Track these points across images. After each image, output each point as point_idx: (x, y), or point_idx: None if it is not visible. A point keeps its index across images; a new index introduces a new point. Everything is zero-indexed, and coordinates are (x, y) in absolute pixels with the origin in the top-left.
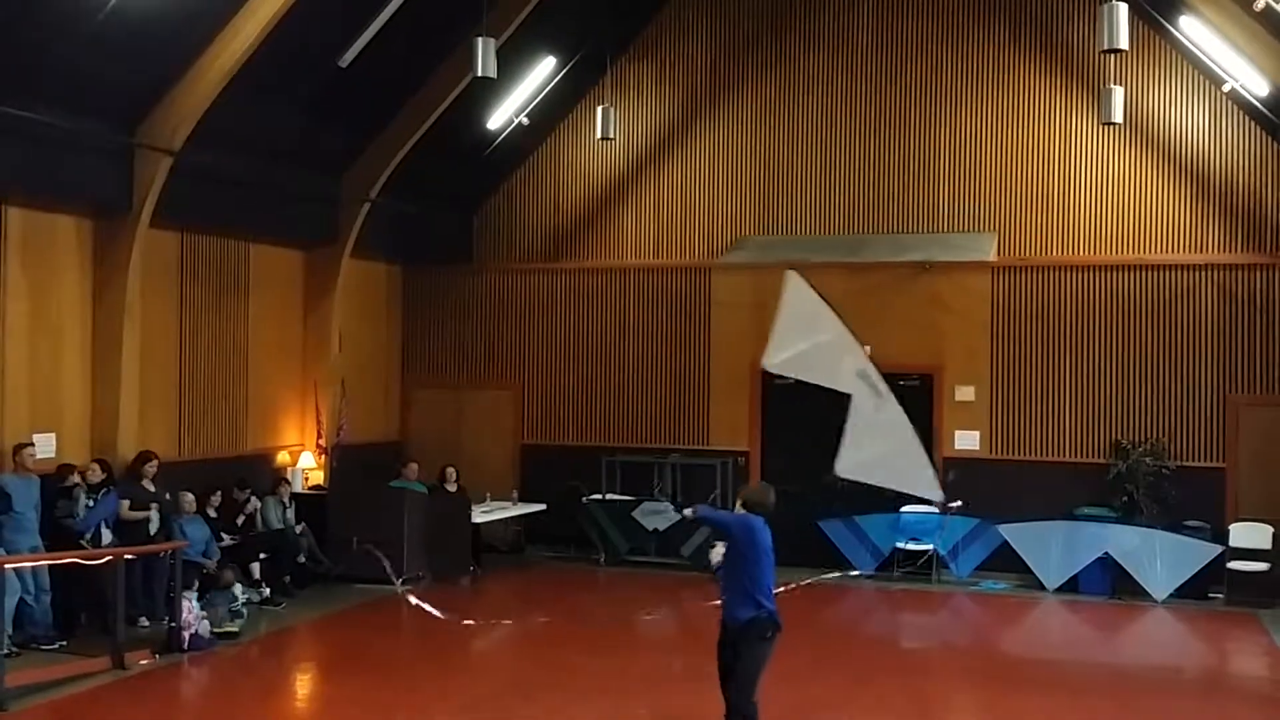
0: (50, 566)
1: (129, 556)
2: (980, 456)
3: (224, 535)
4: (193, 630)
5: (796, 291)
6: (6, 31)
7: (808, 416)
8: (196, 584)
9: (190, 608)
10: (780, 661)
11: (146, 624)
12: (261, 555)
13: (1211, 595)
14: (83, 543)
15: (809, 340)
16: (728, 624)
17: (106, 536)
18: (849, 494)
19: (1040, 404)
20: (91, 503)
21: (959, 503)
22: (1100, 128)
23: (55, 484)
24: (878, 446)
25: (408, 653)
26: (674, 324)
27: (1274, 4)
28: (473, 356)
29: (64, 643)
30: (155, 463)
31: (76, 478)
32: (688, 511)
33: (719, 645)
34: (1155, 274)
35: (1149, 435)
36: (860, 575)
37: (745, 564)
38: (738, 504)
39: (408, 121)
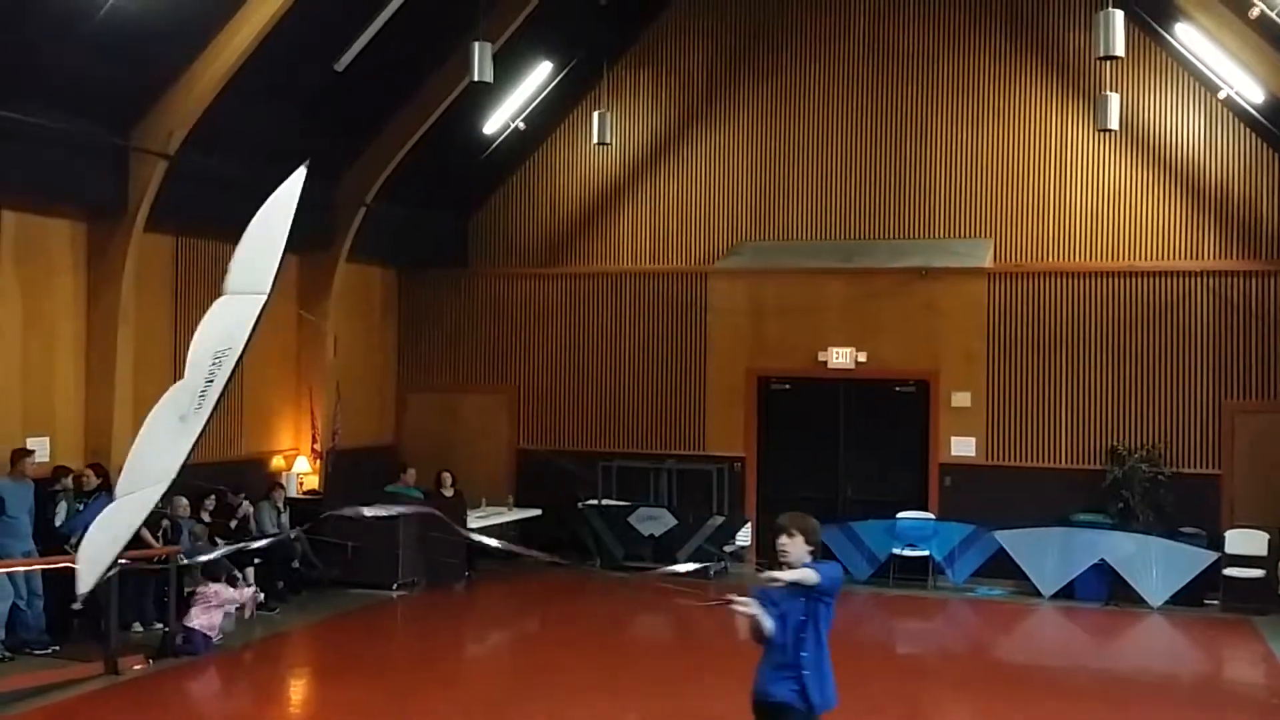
0: (43, 571)
1: (122, 561)
2: (976, 463)
3: (218, 540)
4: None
5: (287, 196)
6: (1, 33)
7: (805, 422)
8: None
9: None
10: None
11: (140, 629)
12: (255, 560)
13: (1207, 602)
14: (67, 547)
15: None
16: (820, 707)
17: None
18: (850, 501)
19: (1036, 410)
20: (82, 507)
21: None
22: (1096, 134)
23: (49, 488)
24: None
25: (402, 657)
26: (670, 329)
27: (1269, 11)
28: (468, 361)
29: (57, 648)
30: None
31: (68, 481)
32: (809, 575)
33: None
34: (1151, 281)
35: (1145, 442)
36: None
37: (829, 624)
38: (798, 541)
39: (404, 126)
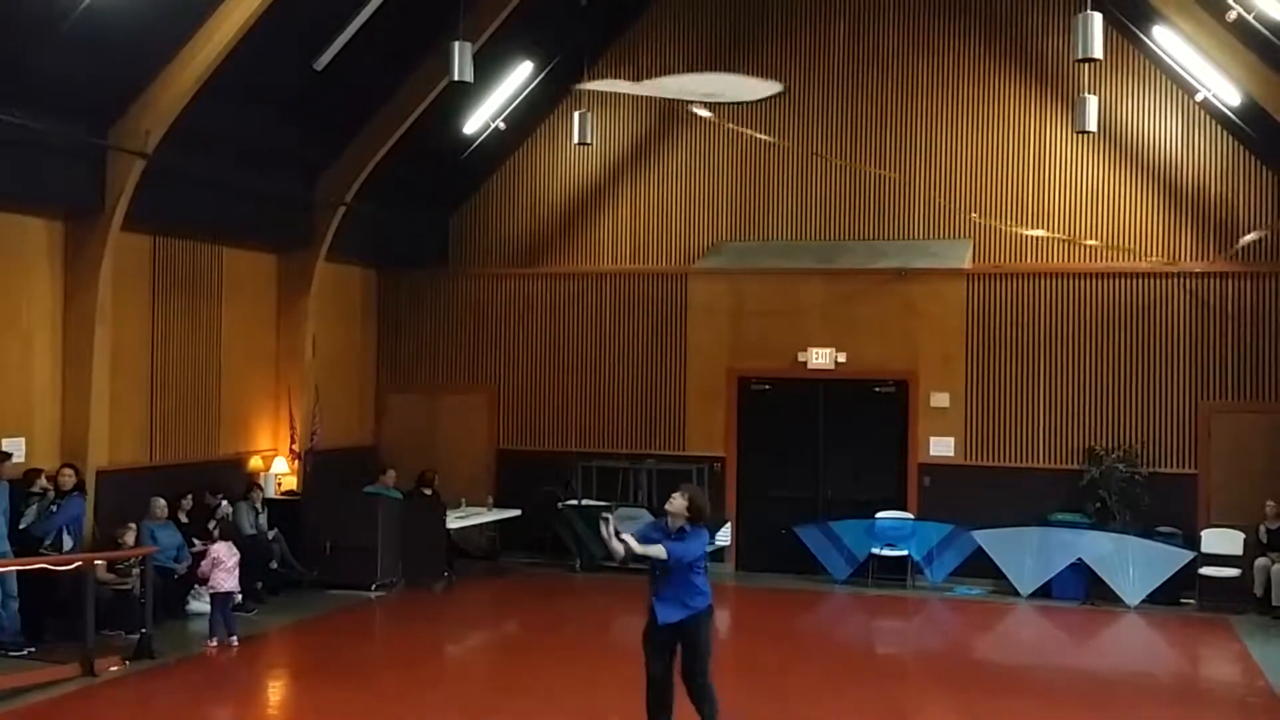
0: (19, 572)
1: (99, 562)
2: (955, 463)
3: (195, 541)
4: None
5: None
6: None
7: (785, 422)
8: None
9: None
10: (755, 667)
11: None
12: None
13: (1184, 601)
14: (43, 549)
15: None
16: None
17: (68, 543)
18: (830, 501)
19: (1014, 410)
20: (55, 508)
21: None
22: (1074, 136)
23: (25, 489)
24: None
25: (380, 659)
26: (650, 329)
27: (1246, 15)
28: (448, 361)
29: (32, 649)
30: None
31: (43, 481)
32: (657, 550)
33: (658, 644)
34: (1128, 281)
35: (1122, 442)
36: None
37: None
38: (681, 504)
39: (383, 125)
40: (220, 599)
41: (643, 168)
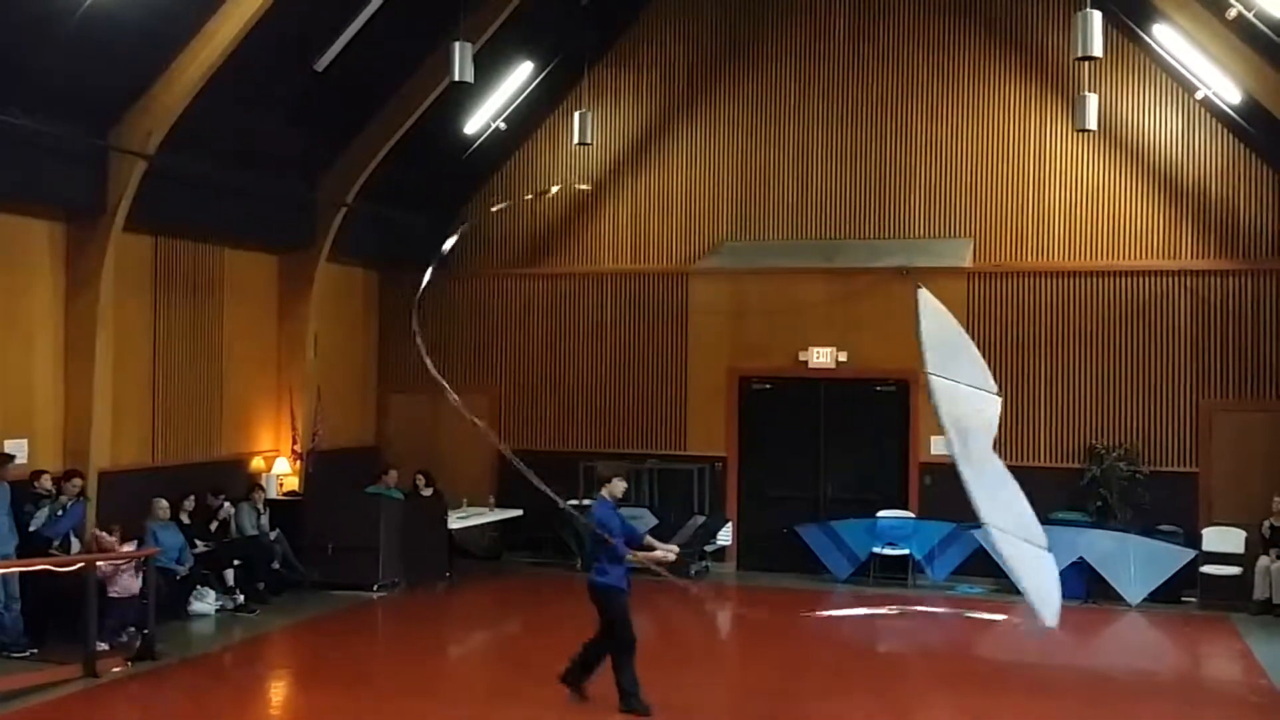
0: (21, 574)
1: (101, 564)
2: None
3: (197, 542)
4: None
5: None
6: None
7: (786, 422)
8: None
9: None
10: (757, 666)
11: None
12: (235, 562)
13: (1185, 599)
14: (52, 550)
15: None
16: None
17: (75, 545)
18: (831, 500)
19: (1015, 409)
20: (61, 511)
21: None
22: (1075, 134)
23: (29, 490)
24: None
25: (382, 661)
26: (651, 329)
27: (1246, 13)
28: (450, 362)
29: (34, 650)
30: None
31: (46, 482)
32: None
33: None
34: (1129, 280)
35: (1123, 440)
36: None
37: None
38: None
39: (384, 126)
40: (125, 602)
41: (643, 167)
